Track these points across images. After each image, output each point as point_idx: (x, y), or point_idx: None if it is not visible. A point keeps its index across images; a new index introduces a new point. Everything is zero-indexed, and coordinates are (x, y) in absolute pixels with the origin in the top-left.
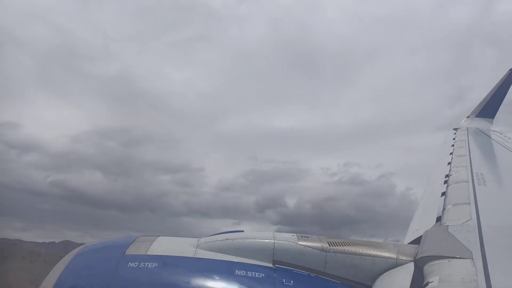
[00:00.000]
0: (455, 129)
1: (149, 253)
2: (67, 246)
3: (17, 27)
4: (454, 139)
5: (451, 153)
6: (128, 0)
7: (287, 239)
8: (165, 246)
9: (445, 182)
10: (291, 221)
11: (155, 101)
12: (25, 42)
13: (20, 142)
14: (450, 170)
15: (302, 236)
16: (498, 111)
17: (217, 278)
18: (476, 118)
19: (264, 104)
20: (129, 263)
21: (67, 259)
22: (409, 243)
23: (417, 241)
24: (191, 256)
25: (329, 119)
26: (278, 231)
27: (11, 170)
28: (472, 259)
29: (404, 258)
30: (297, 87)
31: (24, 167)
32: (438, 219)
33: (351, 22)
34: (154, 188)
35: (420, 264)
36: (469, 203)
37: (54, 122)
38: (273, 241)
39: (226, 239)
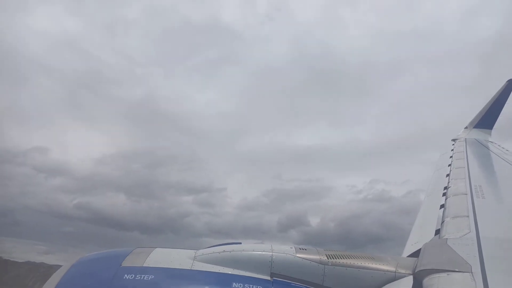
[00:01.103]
0: (454, 140)
1: (145, 265)
2: None
3: (47, 55)
4: (452, 150)
5: (449, 165)
6: (153, 25)
7: (285, 252)
8: (162, 258)
9: (444, 194)
10: (314, 241)
11: (179, 122)
12: (54, 69)
13: (47, 166)
14: (448, 182)
15: (300, 249)
16: (496, 122)
17: None
18: (474, 129)
19: (286, 123)
20: (125, 275)
21: (63, 269)
22: (408, 256)
23: (416, 254)
24: (188, 268)
25: (353, 135)
26: None
27: (38, 193)
28: (472, 272)
29: (403, 271)
30: (319, 104)
31: (51, 190)
32: (437, 231)
33: (373, 37)
34: (176, 209)
35: (419, 278)
36: (468, 216)
37: (80, 145)
38: (270, 253)
39: (224, 251)
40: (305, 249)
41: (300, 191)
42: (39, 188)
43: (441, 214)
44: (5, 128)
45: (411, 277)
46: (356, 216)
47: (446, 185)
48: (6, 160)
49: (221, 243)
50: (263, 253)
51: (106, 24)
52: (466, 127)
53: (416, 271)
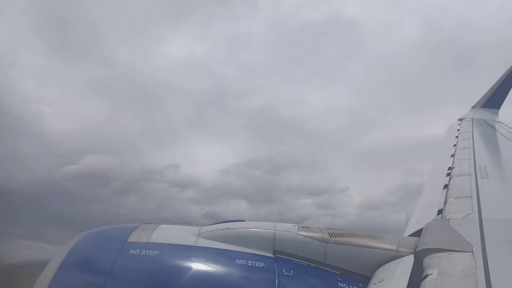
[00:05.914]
0: (460, 119)
1: (150, 240)
2: None
3: (177, 78)
4: (458, 130)
5: (454, 145)
6: (272, 35)
7: (287, 229)
8: (166, 234)
9: (448, 174)
10: None
11: (298, 126)
12: (183, 90)
13: (179, 181)
14: (453, 163)
15: (303, 227)
16: (504, 102)
17: (218, 266)
18: (481, 108)
19: (415, 112)
20: (131, 250)
21: (69, 245)
22: (409, 235)
23: (417, 233)
24: (192, 244)
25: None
26: None
27: (172, 206)
28: (472, 252)
29: (404, 250)
30: (453, 88)
31: (183, 202)
32: (440, 212)
33: None
34: (296, 212)
35: (420, 257)
36: (471, 197)
37: (207, 158)
38: (273, 231)
39: (227, 228)
40: (308, 227)
41: None
42: (172, 202)
43: (444, 194)
44: (145, 149)
45: (412, 256)
46: None
47: (451, 165)
48: (146, 179)
49: (224, 220)
50: (266, 230)
51: (229, 41)
52: (473, 107)
53: (417, 250)
